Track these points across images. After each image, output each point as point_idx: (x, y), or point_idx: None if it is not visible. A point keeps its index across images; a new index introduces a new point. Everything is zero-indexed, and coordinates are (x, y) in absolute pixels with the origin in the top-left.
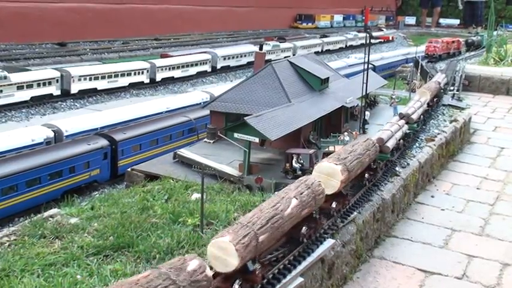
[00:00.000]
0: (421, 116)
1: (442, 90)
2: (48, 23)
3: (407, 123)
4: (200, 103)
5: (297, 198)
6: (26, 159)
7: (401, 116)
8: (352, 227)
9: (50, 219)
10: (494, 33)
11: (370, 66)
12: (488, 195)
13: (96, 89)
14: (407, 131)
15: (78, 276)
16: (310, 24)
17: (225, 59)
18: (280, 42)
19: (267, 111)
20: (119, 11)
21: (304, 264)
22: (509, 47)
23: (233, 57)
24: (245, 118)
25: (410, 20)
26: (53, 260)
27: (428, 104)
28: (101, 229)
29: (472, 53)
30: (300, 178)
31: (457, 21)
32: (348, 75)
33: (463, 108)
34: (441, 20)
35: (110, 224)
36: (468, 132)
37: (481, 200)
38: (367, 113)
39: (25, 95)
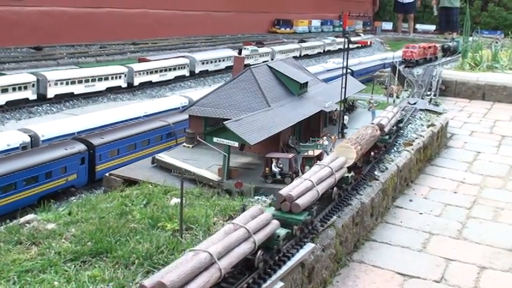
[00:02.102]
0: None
1: (394, 131)
2: (24, 27)
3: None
4: (179, 107)
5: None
6: (1, 165)
7: None
8: (331, 231)
9: (27, 225)
10: (470, 39)
11: (348, 71)
12: (465, 199)
13: (73, 93)
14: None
15: (56, 283)
16: (288, 29)
17: (203, 63)
18: (258, 47)
19: (247, 115)
20: (95, 14)
21: (284, 268)
22: (484, 52)
23: (212, 62)
24: (224, 122)
25: (387, 25)
26: (30, 267)
27: (355, 166)
28: (79, 235)
29: (448, 58)
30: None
31: (433, 27)
32: (326, 80)
33: (440, 113)
34: (417, 26)
35: (87, 229)
36: (445, 136)
37: (458, 204)
38: (345, 117)
39: (0, 99)
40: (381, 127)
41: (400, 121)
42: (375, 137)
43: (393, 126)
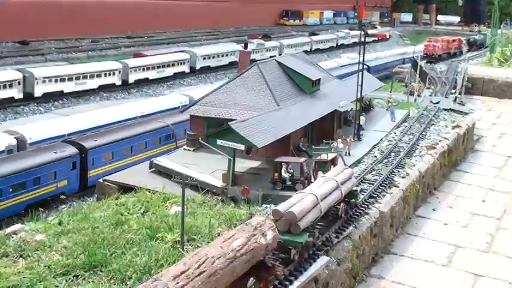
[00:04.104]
0: None
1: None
2: (8, 19)
3: None
4: (178, 107)
5: None
6: None
7: None
8: (347, 243)
9: (13, 235)
10: (498, 31)
11: (364, 67)
12: (494, 209)
13: (62, 91)
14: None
15: None
16: (297, 21)
17: (204, 58)
18: (265, 40)
19: (253, 116)
20: (87, 6)
21: (297, 284)
22: None
23: (214, 57)
24: (229, 123)
25: (407, 17)
26: (17, 282)
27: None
28: (70, 246)
29: (475, 53)
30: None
31: (457, 19)
32: (340, 77)
33: (465, 113)
34: (440, 17)
35: (80, 240)
36: (472, 139)
37: (487, 214)
38: (362, 117)
39: None
40: (290, 220)
41: (350, 194)
42: (251, 254)
43: (332, 211)
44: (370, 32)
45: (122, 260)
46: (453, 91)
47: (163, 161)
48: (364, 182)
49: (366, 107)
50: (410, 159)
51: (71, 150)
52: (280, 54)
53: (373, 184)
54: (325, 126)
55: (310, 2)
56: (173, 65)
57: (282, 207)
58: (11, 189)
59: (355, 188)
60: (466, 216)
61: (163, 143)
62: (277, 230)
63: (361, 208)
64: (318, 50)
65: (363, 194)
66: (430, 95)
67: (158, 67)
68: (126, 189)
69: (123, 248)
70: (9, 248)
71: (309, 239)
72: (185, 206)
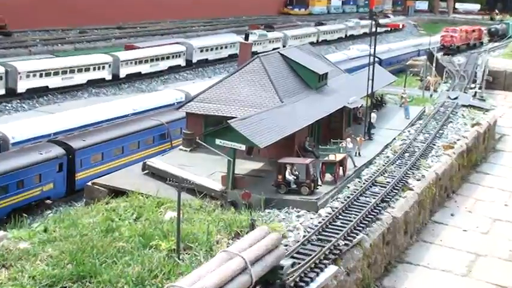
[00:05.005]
0: None
1: None
2: None
3: None
4: (174, 104)
5: None
6: None
7: None
8: (357, 251)
9: None
10: None
11: (375, 59)
12: None
13: (47, 87)
14: None
15: None
16: (302, 10)
17: (202, 51)
18: (267, 31)
19: (255, 113)
20: None
21: None
22: None
23: (212, 49)
24: (228, 121)
25: (422, 4)
26: None
27: None
28: (57, 255)
29: (496, 44)
30: None
31: (477, 7)
32: (349, 71)
33: (486, 110)
34: (458, 5)
35: (67, 249)
36: (493, 138)
37: (510, 219)
38: (373, 115)
39: None
40: None
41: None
42: None
43: None
44: (382, 21)
45: (112, 270)
46: (473, 86)
47: (157, 162)
48: (376, 185)
49: (377, 103)
50: (426, 160)
51: (57, 150)
52: (284, 46)
53: (385, 187)
54: (333, 124)
55: None
56: (168, 58)
57: None
58: None
59: (282, 263)
60: (487, 222)
61: (157, 142)
62: None
63: None
64: (325, 42)
65: (298, 269)
66: (448, 90)
67: (151, 60)
68: (117, 193)
69: (113, 257)
70: None
71: None
72: (181, 212)
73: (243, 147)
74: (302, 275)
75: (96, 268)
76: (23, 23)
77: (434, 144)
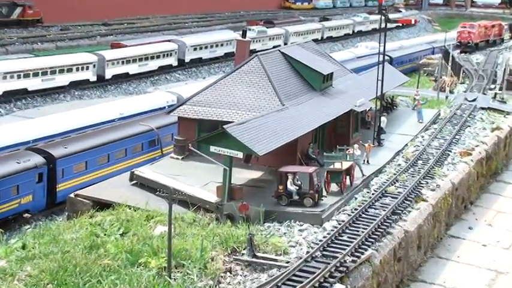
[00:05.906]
0: None
1: None
2: None
3: None
4: (164, 107)
5: None
6: None
7: None
8: (366, 268)
9: None
10: None
11: (385, 58)
12: None
13: (26, 89)
14: None
15: None
16: (306, 4)
17: (195, 49)
18: (267, 27)
19: (254, 117)
20: None
21: None
22: None
23: (206, 47)
24: (224, 127)
25: None
26: None
27: None
28: (36, 275)
29: None
30: None
31: (497, 0)
32: (357, 70)
33: (507, 113)
34: None
35: (47, 267)
36: None
37: None
38: (383, 118)
39: None
40: None
41: None
42: None
43: None
44: (392, 16)
45: None
46: (492, 86)
47: (146, 171)
48: (386, 196)
49: (387, 106)
50: (441, 168)
51: (37, 159)
52: (285, 44)
53: (396, 198)
54: (339, 129)
55: None
56: (158, 57)
57: None
58: None
59: None
60: (509, 236)
61: (146, 150)
62: None
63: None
64: (330, 39)
65: None
66: (465, 91)
67: (140, 60)
68: (102, 205)
69: (98, 276)
70: None
71: None
72: (172, 226)
73: (240, 155)
74: None
75: None
76: None
77: (450, 151)
